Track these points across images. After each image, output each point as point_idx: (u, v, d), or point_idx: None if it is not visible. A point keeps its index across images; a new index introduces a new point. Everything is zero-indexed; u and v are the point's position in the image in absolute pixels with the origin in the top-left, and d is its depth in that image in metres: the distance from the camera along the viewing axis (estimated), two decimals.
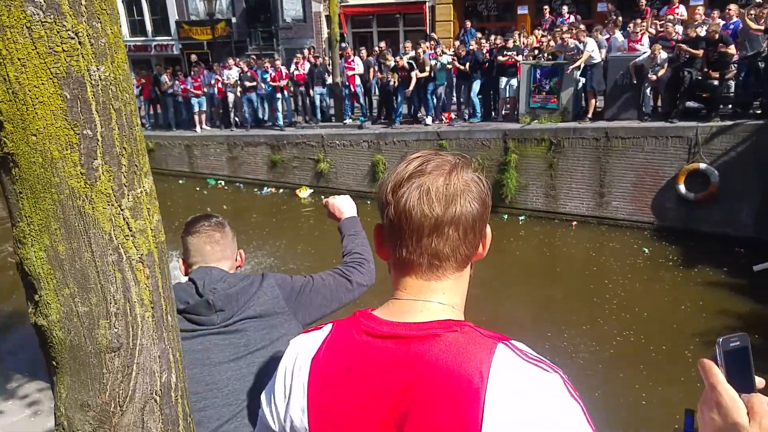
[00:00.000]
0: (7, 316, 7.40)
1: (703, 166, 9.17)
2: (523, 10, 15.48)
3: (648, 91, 10.39)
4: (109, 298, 0.93)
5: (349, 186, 12.12)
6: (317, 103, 13.91)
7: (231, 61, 14.60)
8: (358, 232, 1.91)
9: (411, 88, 12.06)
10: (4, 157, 0.88)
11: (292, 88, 14.08)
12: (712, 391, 0.82)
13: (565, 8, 13.91)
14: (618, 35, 10.94)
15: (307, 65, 13.80)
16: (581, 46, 10.44)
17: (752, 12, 9.79)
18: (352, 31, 18.31)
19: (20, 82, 0.84)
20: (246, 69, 14.08)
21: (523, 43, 12.00)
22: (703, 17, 10.66)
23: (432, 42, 13.64)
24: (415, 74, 11.88)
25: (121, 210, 0.95)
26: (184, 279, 1.63)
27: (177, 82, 14.91)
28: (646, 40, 10.46)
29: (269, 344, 1.53)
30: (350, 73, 13.21)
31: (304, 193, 12.96)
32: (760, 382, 0.85)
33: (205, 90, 14.73)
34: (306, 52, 14.50)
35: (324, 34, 17.76)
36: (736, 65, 9.69)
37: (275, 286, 1.61)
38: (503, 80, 11.54)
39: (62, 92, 0.88)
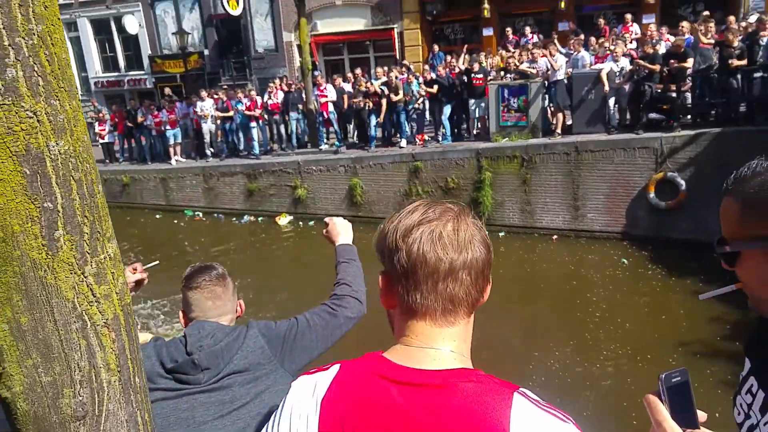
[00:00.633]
0: None
1: (670, 175, 9.46)
2: (488, 32, 15.87)
3: (613, 104, 10.71)
4: (74, 366, 0.94)
5: (328, 210, 12.14)
6: (293, 128, 14.03)
7: (204, 93, 14.66)
8: (351, 260, 1.89)
9: (383, 112, 12.29)
10: None
11: (266, 117, 14.16)
12: (658, 428, 0.87)
13: (528, 29, 14.33)
14: (584, 53, 11.30)
15: (281, 94, 13.92)
16: (554, 61, 10.79)
17: (701, 27, 10.26)
18: (324, 59, 18.52)
19: None
20: (223, 98, 14.19)
21: (490, 65, 12.29)
22: (660, 34, 11.09)
23: (404, 67, 13.94)
24: (385, 100, 12.12)
25: (85, 277, 0.97)
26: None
27: (150, 116, 14.88)
28: (610, 57, 10.83)
29: (254, 398, 1.51)
30: (323, 100, 13.36)
31: (284, 220, 12.94)
32: (702, 416, 0.90)
33: (180, 122, 14.73)
34: (278, 81, 14.64)
35: (296, 63, 17.95)
36: (690, 78, 10.11)
37: (259, 335, 1.59)
38: (472, 101, 11.81)
39: (22, 169, 0.90)
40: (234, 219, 13.70)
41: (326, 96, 13.35)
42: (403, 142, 12.37)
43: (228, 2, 18.23)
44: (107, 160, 16.45)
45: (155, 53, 21.52)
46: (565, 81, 10.84)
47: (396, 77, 12.28)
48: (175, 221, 14.20)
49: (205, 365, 1.50)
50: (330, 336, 1.69)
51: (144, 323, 8.02)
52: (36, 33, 0.90)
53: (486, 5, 15.43)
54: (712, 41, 10.01)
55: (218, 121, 14.46)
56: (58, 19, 0.97)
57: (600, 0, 15.04)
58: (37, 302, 0.93)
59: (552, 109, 11.11)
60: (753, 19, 11.30)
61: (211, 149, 14.84)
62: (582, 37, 12.08)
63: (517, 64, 11.59)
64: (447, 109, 12.04)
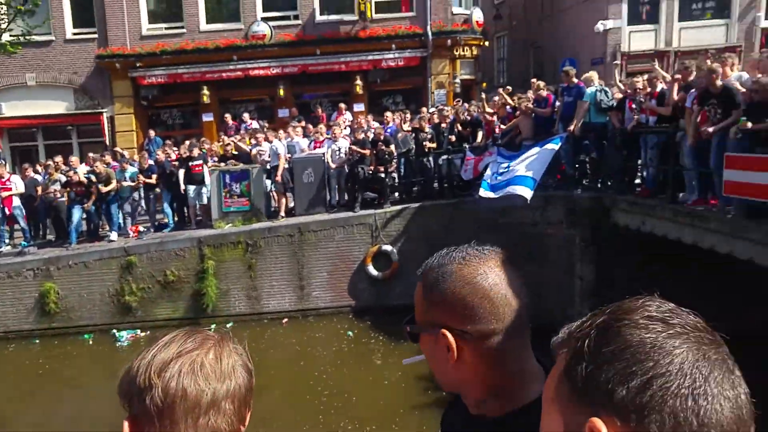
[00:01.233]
0: None
1: (384, 247, 10.22)
2: (208, 117, 15.61)
3: (333, 185, 11.29)
4: None
5: (8, 327, 9.76)
6: None
7: None
8: None
9: (90, 202, 10.77)
10: None
11: None
12: None
13: (247, 115, 14.57)
14: (302, 139, 11.80)
15: None
16: (274, 148, 10.98)
17: (399, 116, 11.81)
18: (10, 146, 15.70)
19: None
20: None
21: (210, 150, 11.93)
22: (368, 122, 12.36)
23: (118, 154, 12.64)
24: (95, 188, 10.75)
25: None
26: None
27: None
28: (329, 142, 11.53)
29: None
30: (6, 194, 11.08)
31: None
32: None
33: None
34: None
35: None
36: (395, 160, 11.38)
37: None
38: (191, 188, 11.15)
39: None
40: None
41: (10, 189, 11.13)
42: (114, 235, 10.90)
43: None
44: None
45: None
46: (286, 165, 11.07)
47: (107, 165, 11.03)
48: None
49: None
50: None
51: None
52: None
53: (205, 91, 15.25)
54: (410, 129, 11.52)
55: None
56: None
57: (317, 89, 16.23)
58: None
59: (274, 193, 11.17)
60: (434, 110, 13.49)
61: None
62: (303, 123, 12.69)
63: (241, 145, 11.58)
64: (167, 196, 11.16)
